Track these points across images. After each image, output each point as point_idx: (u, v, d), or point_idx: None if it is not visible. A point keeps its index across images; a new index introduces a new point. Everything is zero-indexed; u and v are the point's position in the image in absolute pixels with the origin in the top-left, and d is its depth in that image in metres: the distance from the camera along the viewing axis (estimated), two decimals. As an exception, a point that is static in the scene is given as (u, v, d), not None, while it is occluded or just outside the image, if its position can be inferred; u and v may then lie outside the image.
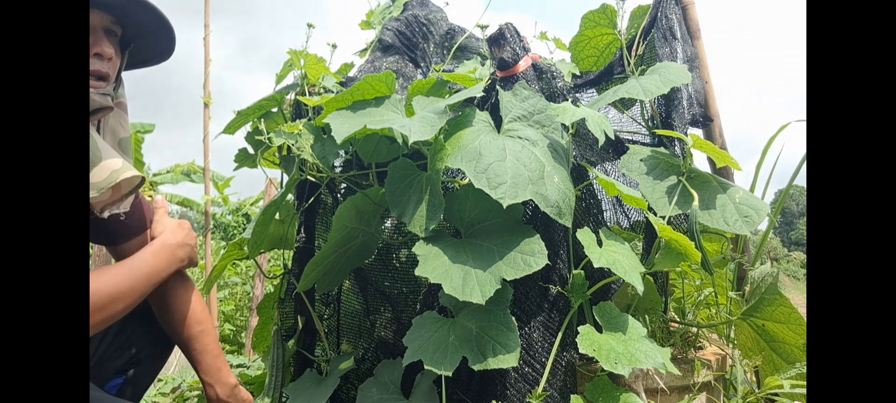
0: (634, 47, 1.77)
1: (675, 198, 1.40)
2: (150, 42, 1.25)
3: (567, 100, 1.51)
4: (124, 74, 1.24)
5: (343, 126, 1.32)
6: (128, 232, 1.36)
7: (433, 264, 1.21)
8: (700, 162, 2.22)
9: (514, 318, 1.22)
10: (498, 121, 1.35)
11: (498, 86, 1.43)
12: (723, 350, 1.67)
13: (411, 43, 1.96)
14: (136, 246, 1.37)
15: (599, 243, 1.29)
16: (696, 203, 1.38)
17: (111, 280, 1.12)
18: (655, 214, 1.37)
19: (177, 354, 3.70)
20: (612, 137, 1.37)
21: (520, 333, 1.21)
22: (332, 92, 1.72)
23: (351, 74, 1.93)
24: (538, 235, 1.24)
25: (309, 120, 1.67)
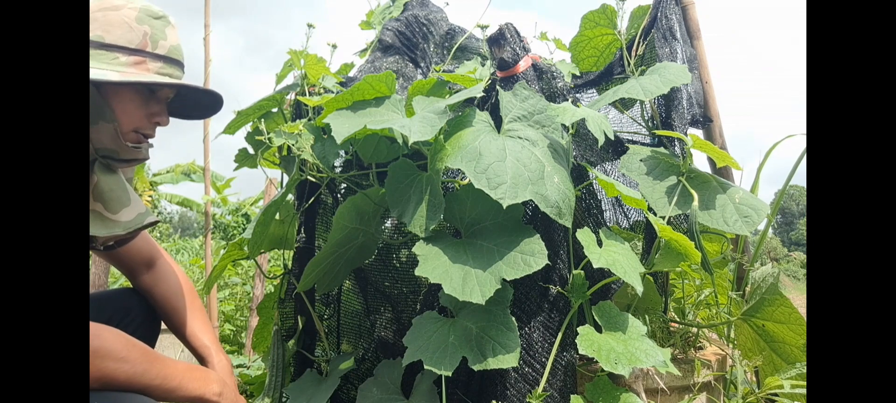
0: (634, 47, 1.77)
1: (675, 198, 1.40)
2: (199, 112, 1.33)
3: (567, 100, 1.51)
4: None
5: (343, 126, 1.32)
6: (121, 241, 1.40)
7: (433, 264, 1.21)
8: (700, 162, 2.23)
9: (514, 318, 1.22)
10: (498, 122, 1.35)
11: (498, 87, 1.43)
12: (723, 351, 1.67)
13: (411, 43, 1.96)
14: (125, 252, 1.42)
15: (599, 243, 1.30)
16: (695, 203, 1.38)
17: (141, 352, 1.07)
18: (655, 214, 1.37)
19: (180, 347, 3.70)
20: (612, 137, 1.37)
21: (520, 333, 1.21)
22: (333, 92, 1.72)
23: (351, 74, 1.93)
24: (538, 235, 1.24)
25: (309, 120, 1.67)
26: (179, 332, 1.46)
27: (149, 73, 1.13)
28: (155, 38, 1.14)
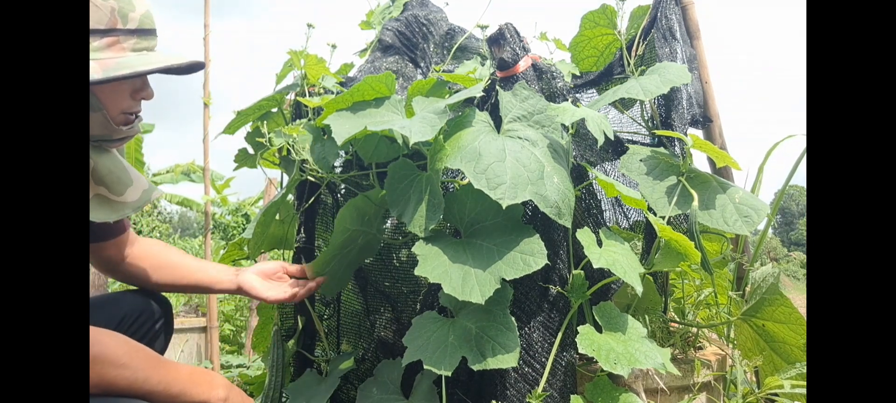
0: (634, 47, 1.77)
1: (675, 198, 1.40)
2: (180, 70, 1.30)
3: (567, 100, 1.51)
4: None
5: (343, 127, 1.32)
6: (108, 232, 1.38)
7: (433, 264, 1.21)
8: (700, 162, 2.23)
9: (513, 318, 1.22)
10: (498, 122, 1.35)
11: (498, 87, 1.43)
12: (723, 350, 1.67)
13: (411, 43, 1.96)
14: (111, 246, 1.40)
15: (599, 243, 1.29)
16: (695, 203, 1.38)
17: (143, 358, 1.05)
18: (655, 214, 1.37)
19: (180, 347, 3.71)
20: (612, 137, 1.37)
21: (520, 333, 1.21)
22: (332, 92, 1.72)
23: (351, 75, 1.93)
24: (538, 235, 1.24)
25: (309, 120, 1.67)
26: (192, 278, 1.47)
27: (125, 53, 1.08)
28: (123, 11, 1.08)
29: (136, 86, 1.16)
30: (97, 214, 1.14)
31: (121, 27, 1.08)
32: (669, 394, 1.47)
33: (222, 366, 3.58)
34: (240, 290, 1.51)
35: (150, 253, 1.47)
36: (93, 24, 1.04)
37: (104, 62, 1.05)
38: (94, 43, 1.05)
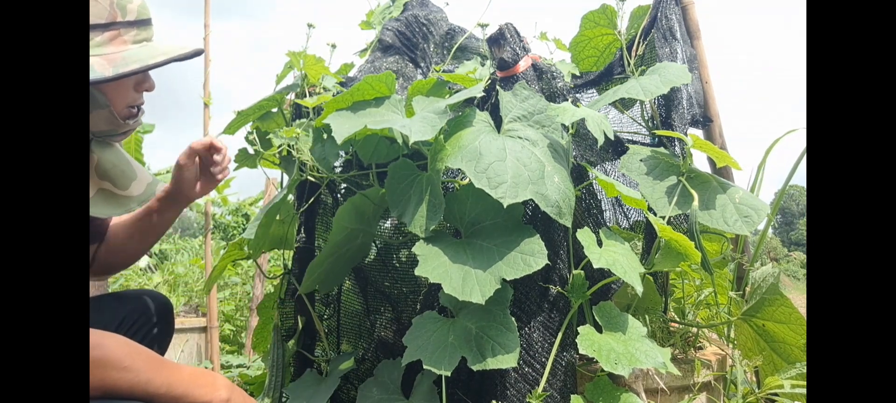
0: (634, 48, 1.77)
1: (675, 198, 1.40)
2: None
3: (567, 100, 1.51)
4: None
5: (343, 127, 1.32)
6: (97, 235, 1.38)
7: (433, 264, 1.21)
8: (700, 162, 2.23)
9: (513, 318, 1.22)
10: (498, 122, 1.35)
11: (498, 87, 1.43)
12: (723, 350, 1.67)
13: (411, 43, 1.96)
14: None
15: (599, 243, 1.30)
16: (695, 203, 1.38)
17: (145, 359, 1.02)
18: (655, 214, 1.37)
19: (180, 347, 3.71)
20: (612, 137, 1.37)
21: (520, 333, 1.21)
22: (332, 92, 1.72)
23: (351, 75, 1.93)
24: (538, 235, 1.24)
25: (309, 120, 1.67)
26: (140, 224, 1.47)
27: (127, 45, 1.08)
28: (122, 3, 1.08)
29: (140, 78, 1.16)
30: (103, 209, 1.14)
31: (120, 20, 1.07)
32: (669, 394, 1.47)
33: (222, 366, 3.58)
34: (178, 193, 1.47)
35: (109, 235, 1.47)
36: (93, 19, 1.04)
37: (111, 57, 1.04)
38: (96, 38, 1.04)
